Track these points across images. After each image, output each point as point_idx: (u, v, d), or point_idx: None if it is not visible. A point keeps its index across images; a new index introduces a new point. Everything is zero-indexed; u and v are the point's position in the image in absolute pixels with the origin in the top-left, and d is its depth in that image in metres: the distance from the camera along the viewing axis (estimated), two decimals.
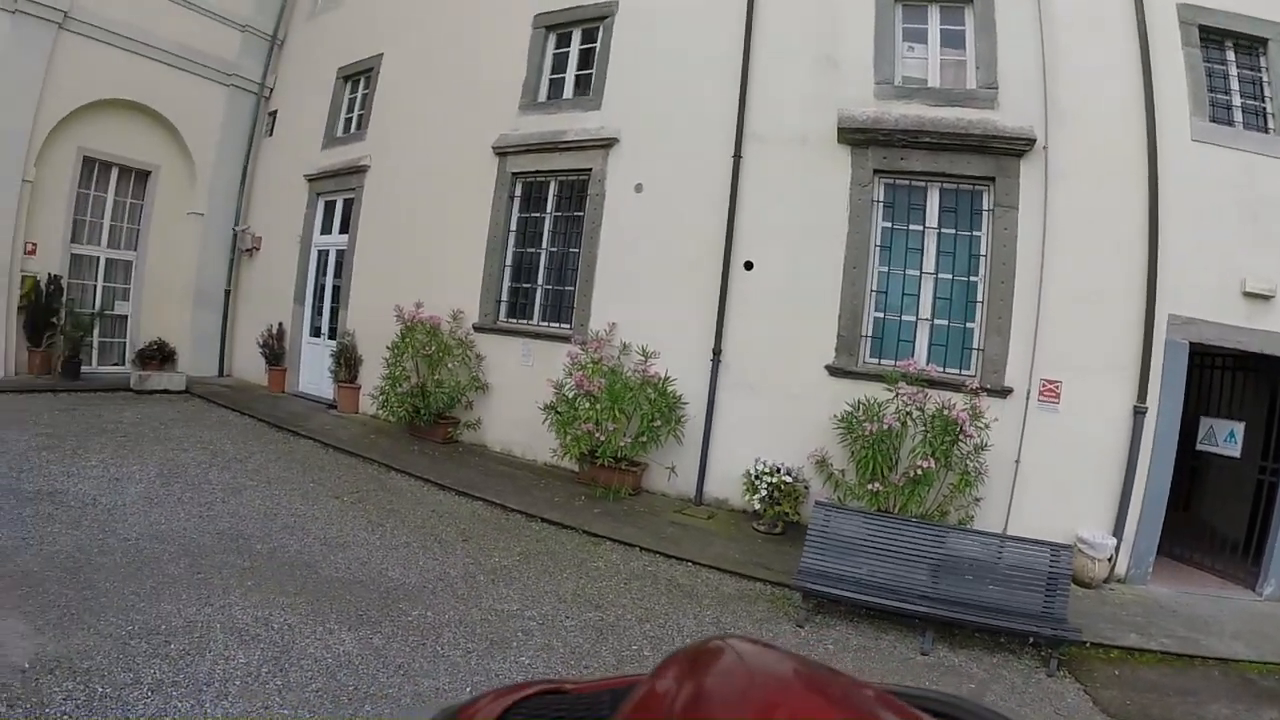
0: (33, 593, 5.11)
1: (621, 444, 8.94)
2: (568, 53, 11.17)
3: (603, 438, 8.87)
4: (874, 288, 8.56)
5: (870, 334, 8.53)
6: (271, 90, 16.05)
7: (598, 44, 10.74)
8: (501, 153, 11.18)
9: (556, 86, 11.23)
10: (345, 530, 7.19)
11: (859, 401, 7.80)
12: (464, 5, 12.35)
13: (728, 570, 7.03)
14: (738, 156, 9.23)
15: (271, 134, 15.91)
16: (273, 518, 7.34)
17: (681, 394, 9.04)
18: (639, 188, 9.96)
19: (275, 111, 15.97)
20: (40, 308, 12.96)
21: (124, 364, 14.67)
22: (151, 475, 8.24)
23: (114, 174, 14.44)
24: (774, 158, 9.14)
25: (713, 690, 0.48)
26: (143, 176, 14.90)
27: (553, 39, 11.30)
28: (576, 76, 11.04)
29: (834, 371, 8.42)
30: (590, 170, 10.38)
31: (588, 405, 9.02)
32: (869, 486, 7.31)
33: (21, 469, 7.85)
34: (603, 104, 10.44)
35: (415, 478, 9.40)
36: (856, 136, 8.57)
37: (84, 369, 13.53)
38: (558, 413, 9.35)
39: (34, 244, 13.01)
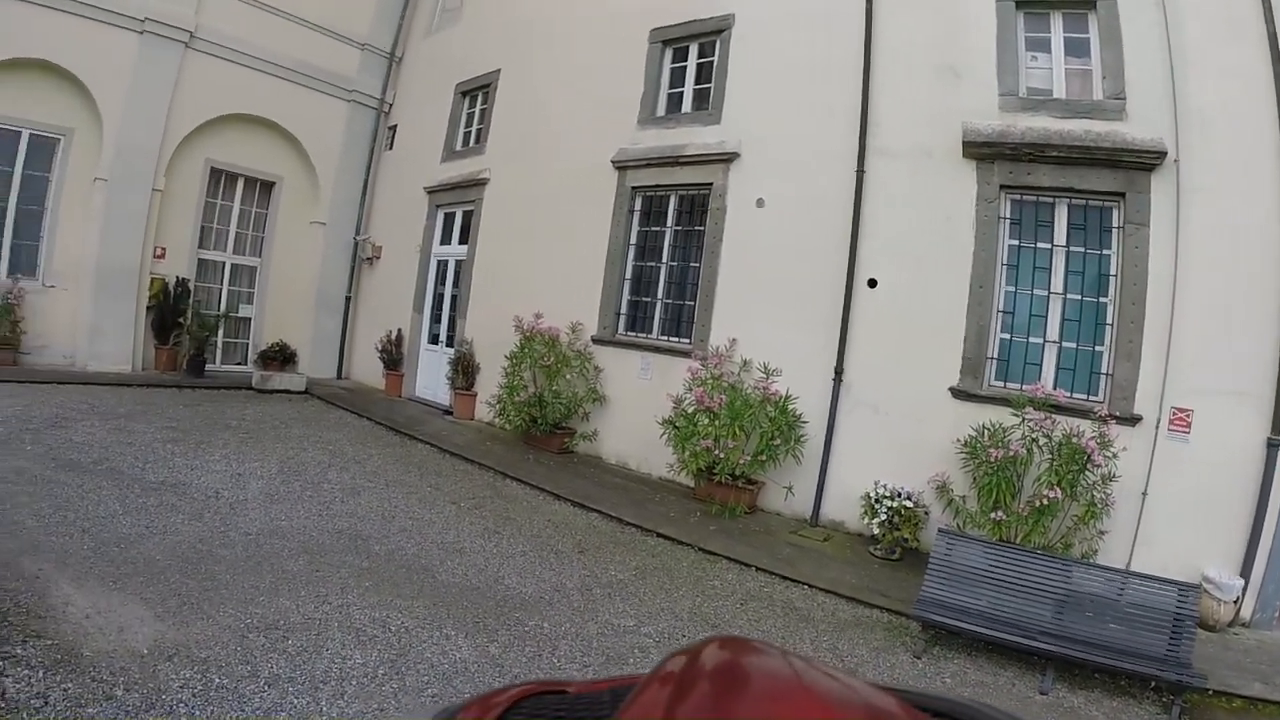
0: (154, 580, 5.45)
1: (740, 461, 9.17)
2: (685, 67, 11.68)
3: (721, 454, 9.16)
4: (1000, 308, 8.64)
5: (996, 356, 8.63)
6: (391, 105, 17.32)
7: (715, 58, 11.18)
8: (621, 167, 11.79)
9: (674, 101, 11.77)
10: (462, 536, 7.54)
11: (983, 426, 7.90)
12: (579, 21, 13.04)
13: (844, 595, 7.15)
14: (861, 171, 9.40)
15: (391, 147, 17.17)
16: (391, 520, 7.76)
17: (801, 413, 9.28)
18: (760, 202, 10.31)
19: (395, 126, 17.22)
20: (168, 308, 14.49)
21: (246, 364, 16.16)
22: (272, 472, 8.91)
23: (240, 184, 15.95)
24: (897, 172, 9.29)
25: (714, 689, 0.50)
26: (267, 187, 16.35)
27: (669, 53, 11.85)
28: (695, 90, 11.52)
29: (958, 394, 8.54)
30: (711, 185, 10.80)
31: (707, 421, 9.32)
32: (992, 515, 7.38)
33: (147, 460, 8.56)
34: (722, 118, 10.85)
35: (531, 486, 9.85)
36: (982, 150, 8.66)
37: (208, 367, 15.04)
38: (676, 427, 9.73)
39: (163, 248, 14.53)
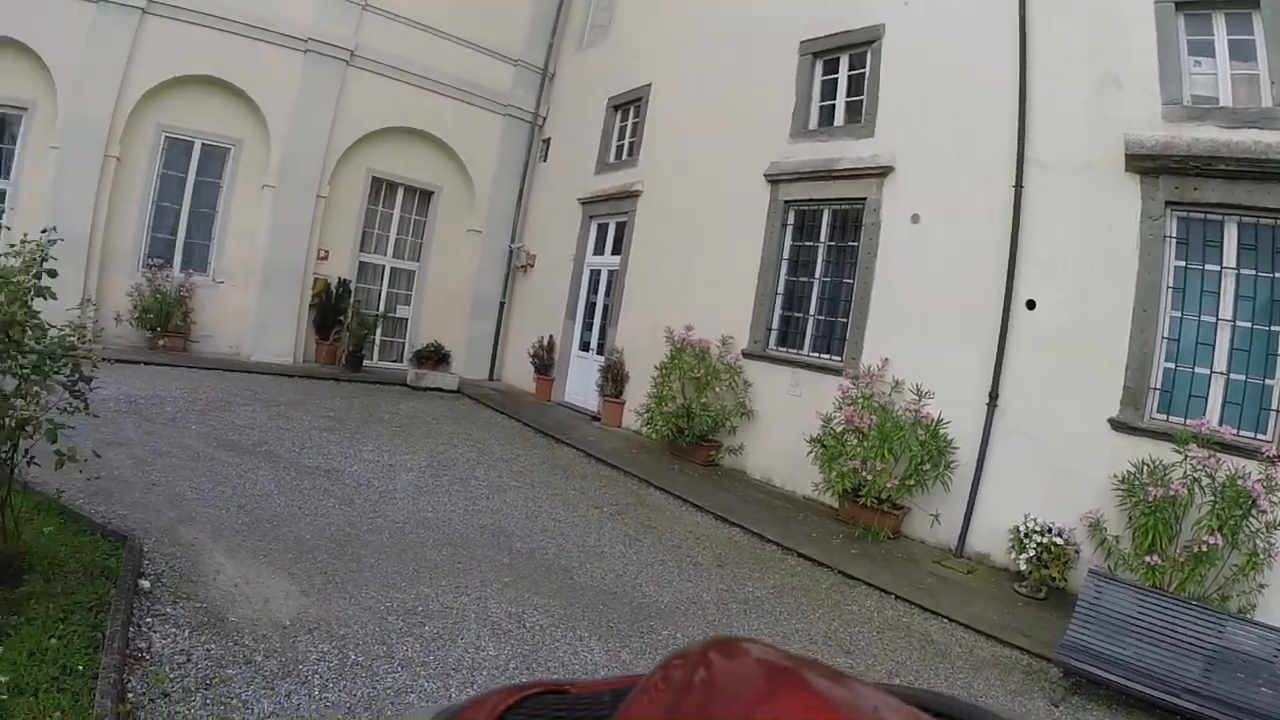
0: (302, 558, 5.89)
1: (887, 485, 9.16)
2: (836, 79, 11.83)
3: (869, 476, 9.18)
4: (1165, 335, 8.32)
5: (1159, 386, 8.33)
6: (544, 119, 18.33)
7: (866, 69, 11.25)
8: (773, 180, 12.06)
9: (826, 114, 11.93)
10: (603, 541, 7.86)
11: (1143, 461, 7.66)
12: (728, 35, 13.34)
13: (984, 632, 7.02)
14: (1019, 186, 9.24)
15: (545, 159, 18.17)
16: (533, 519, 8.19)
17: (953, 438, 9.23)
18: (916, 218, 10.28)
19: (548, 139, 18.22)
20: (329, 306, 16.05)
21: (402, 361, 17.67)
22: (422, 465, 9.56)
23: (400, 193, 17.41)
24: (1056, 187, 9.08)
25: (714, 690, 0.51)
26: (426, 195, 17.72)
27: (820, 65, 12.02)
28: (846, 103, 11.64)
29: (1117, 426, 8.27)
30: (864, 199, 10.87)
31: (855, 442, 9.41)
32: (1146, 559, 7.16)
33: (304, 446, 9.42)
34: (875, 131, 10.91)
35: (674, 497, 10.18)
36: (1145, 163, 8.34)
37: (365, 363, 16.54)
38: (824, 446, 9.84)
39: (326, 251, 16.13)
